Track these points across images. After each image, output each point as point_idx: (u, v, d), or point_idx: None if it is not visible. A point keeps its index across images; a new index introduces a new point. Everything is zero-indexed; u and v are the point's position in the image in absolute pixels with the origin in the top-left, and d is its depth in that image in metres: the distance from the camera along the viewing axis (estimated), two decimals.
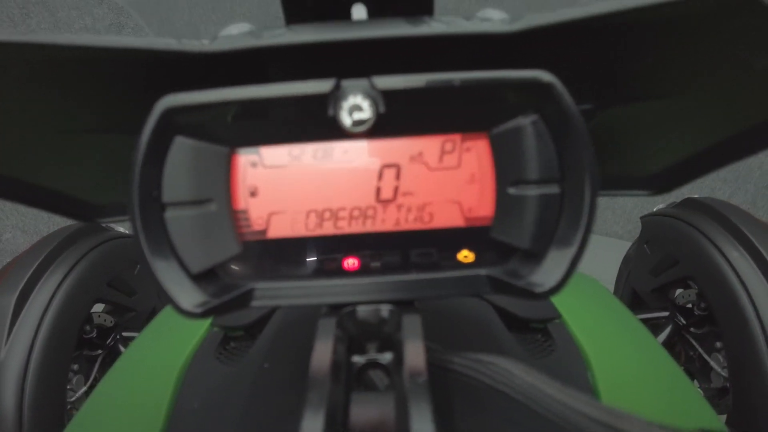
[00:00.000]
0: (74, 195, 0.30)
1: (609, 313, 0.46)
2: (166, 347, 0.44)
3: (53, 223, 1.60)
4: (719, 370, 0.82)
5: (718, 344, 0.85)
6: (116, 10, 1.86)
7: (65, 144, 0.27)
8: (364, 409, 0.21)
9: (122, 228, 0.92)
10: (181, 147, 0.23)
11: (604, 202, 1.88)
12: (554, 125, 0.22)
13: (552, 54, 0.23)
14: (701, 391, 0.94)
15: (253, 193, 0.24)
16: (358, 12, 0.26)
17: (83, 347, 0.87)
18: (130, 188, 0.22)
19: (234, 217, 0.25)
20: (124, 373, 0.44)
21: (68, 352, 0.78)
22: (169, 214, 0.24)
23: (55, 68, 0.22)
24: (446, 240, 0.25)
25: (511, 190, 0.24)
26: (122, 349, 0.91)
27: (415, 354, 0.21)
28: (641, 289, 1.01)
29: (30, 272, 0.75)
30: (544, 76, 0.21)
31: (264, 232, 0.25)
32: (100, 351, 0.89)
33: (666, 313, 0.94)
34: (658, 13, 0.20)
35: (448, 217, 0.24)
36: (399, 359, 0.22)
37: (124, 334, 0.93)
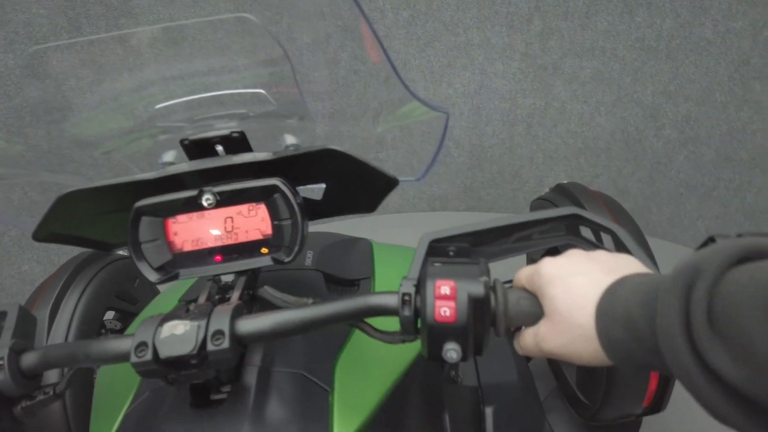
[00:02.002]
0: (101, 239, 0.59)
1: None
2: None
3: (62, 253, 1.87)
4: None
5: None
6: None
7: (100, 218, 0.55)
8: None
9: (122, 252, 1.19)
10: (145, 219, 0.53)
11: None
12: (287, 198, 0.52)
13: (295, 166, 0.52)
14: None
15: (175, 234, 0.54)
16: (220, 150, 0.55)
17: None
18: (129, 236, 0.51)
19: (168, 243, 0.54)
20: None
21: None
22: (143, 245, 0.52)
23: (102, 192, 0.51)
24: (256, 244, 0.54)
25: (276, 222, 0.53)
26: None
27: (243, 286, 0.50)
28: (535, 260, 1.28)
29: (57, 291, 1.00)
30: (275, 180, 0.52)
31: (181, 249, 0.54)
32: None
33: None
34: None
35: (255, 235, 0.54)
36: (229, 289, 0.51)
37: None
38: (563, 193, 1.20)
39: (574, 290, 0.36)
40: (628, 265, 0.38)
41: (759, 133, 1.79)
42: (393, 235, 2.22)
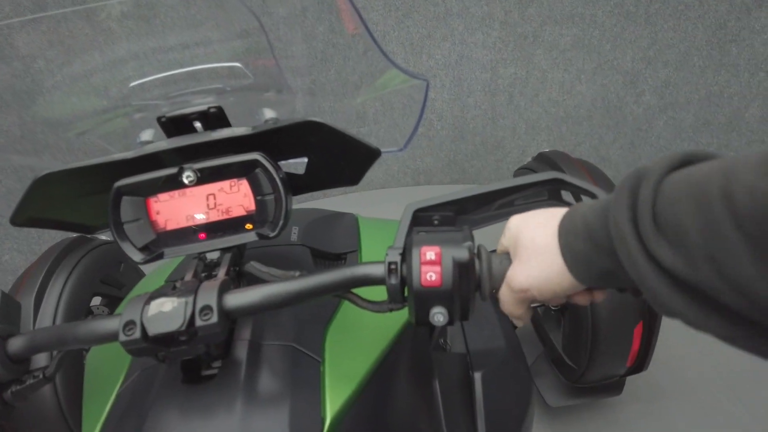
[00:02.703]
0: (81, 222, 0.58)
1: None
2: None
3: (42, 241, 1.84)
4: None
5: None
6: None
7: (79, 200, 0.54)
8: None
9: (104, 236, 1.17)
10: (125, 200, 0.52)
11: None
12: (268, 173, 0.51)
13: (276, 141, 0.52)
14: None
15: (157, 213, 0.53)
16: (199, 126, 0.54)
17: None
18: (110, 217, 0.50)
19: (151, 223, 0.53)
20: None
21: None
22: (125, 225, 0.51)
23: (80, 173, 0.50)
24: (240, 220, 0.53)
25: (259, 198, 0.53)
26: None
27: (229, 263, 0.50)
28: None
29: (41, 277, 0.99)
30: (255, 155, 0.51)
31: (164, 228, 0.54)
32: None
33: None
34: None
35: (238, 211, 0.53)
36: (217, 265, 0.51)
37: None
38: (545, 161, 1.21)
39: (535, 225, 0.39)
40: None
41: (736, 97, 1.81)
42: (378, 210, 2.22)
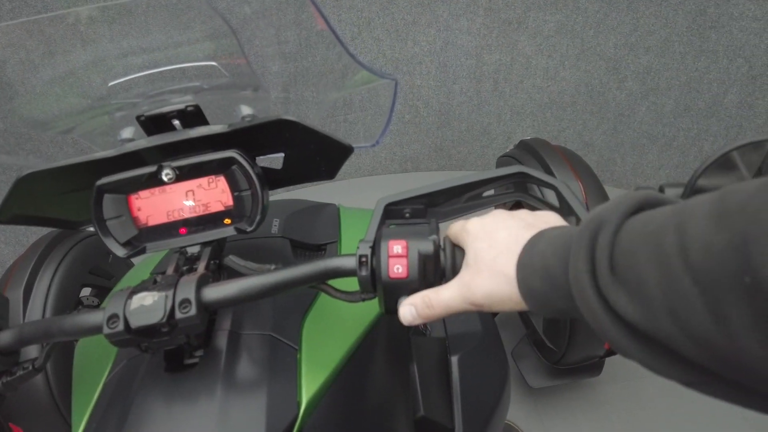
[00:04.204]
0: (65, 218, 0.60)
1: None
2: None
3: (30, 233, 1.84)
4: None
5: None
6: None
7: (62, 197, 0.56)
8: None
9: (90, 229, 1.19)
10: (107, 197, 0.54)
11: None
12: (245, 169, 0.54)
13: (252, 137, 0.54)
14: None
15: (139, 209, 0.55)
16: (177, 124, 0.56)
17: None
18: (93, 214, 0.52)
19: (133, 219, 0.55)
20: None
21: None
22: (108, 222, 0.53)
23: (62, 172, 0.52)
24: (219, 215, 0.56)
25: (236, 193, 0.55)
26: None
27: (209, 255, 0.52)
28: None
29: (29, 270, 1.00)
30: (231, 153, 0.53)
31: (146, 224, 0.56)
32: None
33: None
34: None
35: (217, 207, 0.55)
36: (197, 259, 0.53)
37: None
38: (526, 149, 1.23)
39: (497, 244, 0.39)
40: (548, 220, 0.41)
41: (715, 83, 1.84)
42: (365, 198, 2.24)
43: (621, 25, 1.82)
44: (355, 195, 2.20)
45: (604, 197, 1.10)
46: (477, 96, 2.09)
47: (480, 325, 0.81)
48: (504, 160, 1.33)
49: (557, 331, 1.25)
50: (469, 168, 2.30)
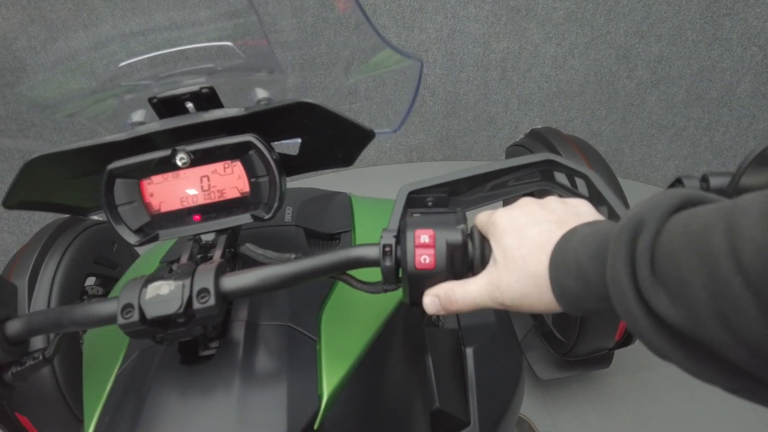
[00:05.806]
0: (74, 204, 0.58)
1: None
2: None
3: (33, 222, 1.82)
4: None
5: None
6: None
7: (71, 182, 0.54)
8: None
9: (97, 217, 1.17)
10: (119, 182, 0.51)
11: None
12: (262, 154, 0.51)
13: (269, 121, 0.51)
14: None
15: (151, 195, 0.53)
16: (191, 107, 0.53)
17: None
18: (104, 200, 0.50)
19: (145, 205, 0.53)
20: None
21: None
22: (119, 208, 0.51)
23: (71, 156, 0.50)
24: (234, 202, 0.54)
25: (253, 180, 0.52)
26: None
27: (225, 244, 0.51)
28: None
29: (34, 259, 0.99)
30: (249, 137, 0.50)
31: (159, 210, 0.54)
32: None
33: None
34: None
35: (232, 193, 0.53)
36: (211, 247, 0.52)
37: None
38: (537, 138, 1.21)
39: (527, 241, 0.37)
40: (579, 212, 0.39)
41: (728, 72, 1.81)
42: (371, 188, 2.22)
43: (632, 12, 1.79)
44: (359, 185, 2.18)
45: (618, 188, 1.08)
46: (484, 85, 2.06)
47: (494, 316, 0.79)
48: (514, 149, 1.30)
49: (567, 322, 1.23)
50: (474, 159, 2.28)
